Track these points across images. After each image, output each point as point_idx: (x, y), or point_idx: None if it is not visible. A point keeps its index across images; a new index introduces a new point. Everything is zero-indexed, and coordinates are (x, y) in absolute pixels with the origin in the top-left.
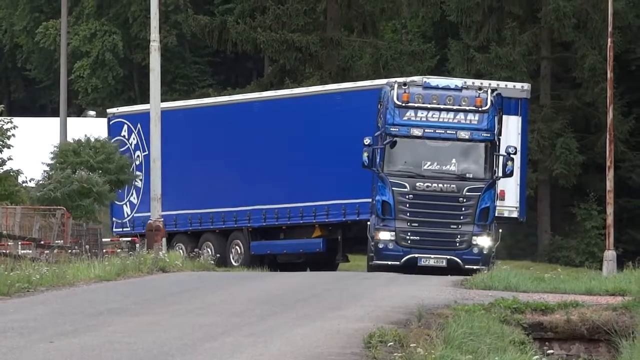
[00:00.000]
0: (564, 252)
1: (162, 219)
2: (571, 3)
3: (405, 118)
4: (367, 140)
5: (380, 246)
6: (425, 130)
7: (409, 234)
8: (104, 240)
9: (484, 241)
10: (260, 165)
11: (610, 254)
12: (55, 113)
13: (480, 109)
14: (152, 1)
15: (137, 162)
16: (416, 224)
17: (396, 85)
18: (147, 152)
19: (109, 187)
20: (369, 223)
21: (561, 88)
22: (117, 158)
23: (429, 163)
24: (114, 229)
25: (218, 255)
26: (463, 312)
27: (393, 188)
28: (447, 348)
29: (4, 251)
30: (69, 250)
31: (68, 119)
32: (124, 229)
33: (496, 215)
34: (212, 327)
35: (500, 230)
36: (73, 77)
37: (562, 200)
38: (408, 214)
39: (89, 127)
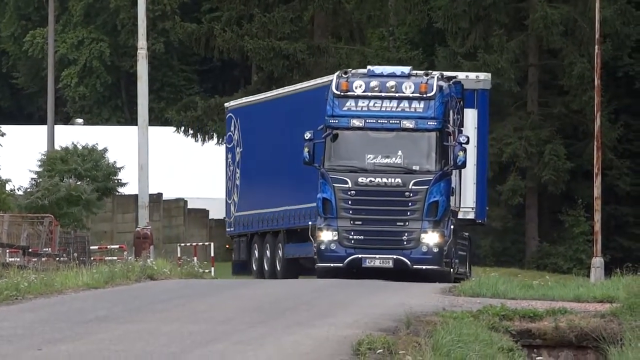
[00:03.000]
0: (551, 259)
1: (150, 227)
2: (559, 11)
3: (345, 108)
4: (307, 135)
5: (323, 247)
6: (367, 121)
7: (352, 233)
8: (91, 247)
9: (433, 238)
10: (287, 164)
11: (597, 261)
12: (42, 121)
13: (425, 96)
14: (139, 8)
15: (237, 159)
16: (359, 222)
17: (335, 75)
18: (242, 149)
19: (96, 194)
20: (310, 223)
21: (549, 95)
22: (104, 165)
23: (371, 156)
24: (227, 229)
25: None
26: (451, 319)
27: (334, 184)
28: (435, 355)
29: None
30: (57, 258)
31: (55, 126)
32: (230, 229)
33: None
34: (201, 334)
35: (467, 234)
36: (61, 85)
37: (550, 207)
38: (350, 212)
39: (77, 135)
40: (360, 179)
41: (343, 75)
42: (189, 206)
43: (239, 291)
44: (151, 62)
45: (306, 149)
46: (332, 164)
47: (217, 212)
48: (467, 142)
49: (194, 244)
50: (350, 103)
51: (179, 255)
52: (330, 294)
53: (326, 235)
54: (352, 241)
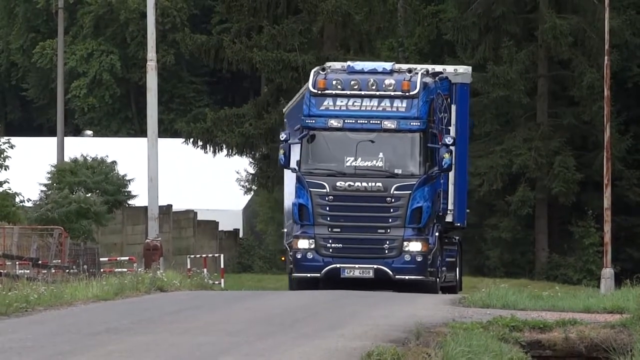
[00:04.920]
0: (561, 269)
1: (160, 238)
2: (568, 21)
3: (322, 108)
4: (283, 136)
5: (299, 256)
6: (346, 121)
7: (330, 241)
8: (101, 259)
9: (417, 246)
10: None
11: (607, 272)
12: (51, 132)
13: (407, 94)
14: (149, 20)
15: None
16: (338, 230)
17: (313, 71)
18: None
19: (106, 207)
20: (284, 230)
21: (559, 106)
22: (114, 178)
23: (351, 159)
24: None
25: None
26: (461, 330)
27: (310, 189)
28: None
29: (2, 271)
30: (67, 270)
31: (65, 138)
32: (284, 240)
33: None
34: (211, 346)
35: (458, 238)
36: (70, 97)
37: (560, 218)
38: (328, 218)
39: (86, 147)
40: (338, 184)
41: (320, 71)
42: (199, 218)
43: (249, 303)
44: (161, 73)
45: (281, 151)
46: (308, 167)
47: (226, 224)
48: (454, 144)
49: (204, 255)
50: (328, 102)
51: (188, 266)
52: (339, 305)
53: (302, 244)
54: (330, 250)
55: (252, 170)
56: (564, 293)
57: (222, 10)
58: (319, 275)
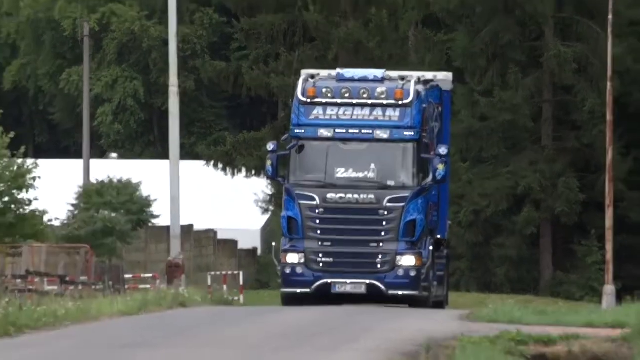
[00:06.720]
0: (565, 286)
1: (182, 256)
2: (572, 49)
3: (311, 117)
4: (270, 146)
5: (288, 271)
6: (336, 131)
7: (320, 255)
8: (126, 276)
9: (410, 261)
10: None
11: (609, 289)
12: (77, 155)
13: (400, 103)
14: (170, 48)
15: None
16: (328, 243)
17: (301, 79)
18: None
19: (131, 226)
20: (273, 244)
21: (563, 130)
22: (138, 198)
23: (342, 170)
24: None
25: None
26: (470, 344)
27: (300, 201)
28: None
29: (31, 287)
30: (93, 286)
31: (91, 160)
32: None
33: None
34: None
35: (447, 251)
36: (96, 123)
37: (564, 237)
38: (318, 232)
39: (111, 169)
40: (329, 196)
41: (310, 79)
42: (219, 237)
43: (266, 318)
44: (182, 99)
45: (269, 162)
46: (297, 179)
47: (246, 242)
48: (448, 154)
49: (224, 272)
50: (318, 111)
51: (209, 283)
52: (353, 321)
53: (291, 258)
54: (321, 264)
55: (269, 192)
56: (567, 309)
57: (241, 38)
58: (308, 290)
